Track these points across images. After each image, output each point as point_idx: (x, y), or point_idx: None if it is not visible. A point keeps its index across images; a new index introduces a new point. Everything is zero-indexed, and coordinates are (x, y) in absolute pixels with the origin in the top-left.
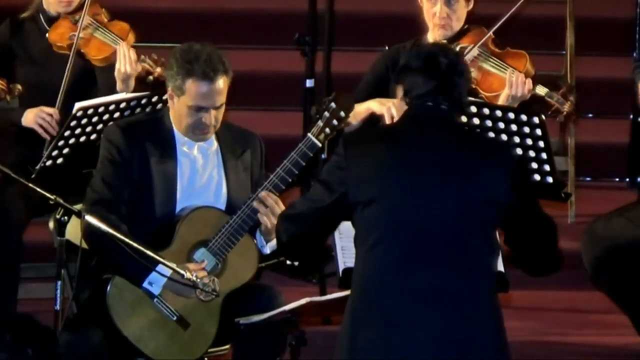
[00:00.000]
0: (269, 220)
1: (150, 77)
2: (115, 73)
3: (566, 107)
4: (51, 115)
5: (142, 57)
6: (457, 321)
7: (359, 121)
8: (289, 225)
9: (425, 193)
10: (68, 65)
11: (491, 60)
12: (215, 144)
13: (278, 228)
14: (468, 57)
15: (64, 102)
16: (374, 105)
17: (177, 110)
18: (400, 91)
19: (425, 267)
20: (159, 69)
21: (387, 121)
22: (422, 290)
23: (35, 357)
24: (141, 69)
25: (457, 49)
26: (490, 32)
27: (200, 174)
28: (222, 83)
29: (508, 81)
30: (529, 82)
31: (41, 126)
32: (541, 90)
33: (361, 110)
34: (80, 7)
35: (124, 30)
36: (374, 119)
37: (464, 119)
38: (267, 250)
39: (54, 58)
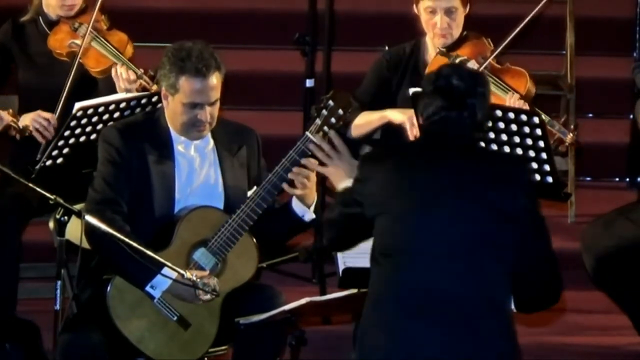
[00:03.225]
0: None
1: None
2: (117, 89)
3: (568, 138)
4: (48, 120)
5: (140, 72)
6: (461, 334)
7: (371, 130)
8: (326, 230)
9: (435, 210)
10: (69, 74)
11: (492, 78)
12: (211, 142)
13: (322, 231)
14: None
15: (65, 106)
16: (394, 115)
17: (172, 109)
18: (419, 118)
19: (432, 282)
20: (155, 87)
21: (409, 131)
22: (427, 302)
23: (29, 356)
24: (139, 85)
25: (457, 62)
26: (493, 55)
27: (197, 173)
28: (215, 79)
29: (507, 103)
30: (526, 106)
31: (37, 130)
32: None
33: (374, 118)
34: (80, 12)
35: (123, 42)
36: (390, 130)
37: None
38: (308, 217)
39: (55, 62)
